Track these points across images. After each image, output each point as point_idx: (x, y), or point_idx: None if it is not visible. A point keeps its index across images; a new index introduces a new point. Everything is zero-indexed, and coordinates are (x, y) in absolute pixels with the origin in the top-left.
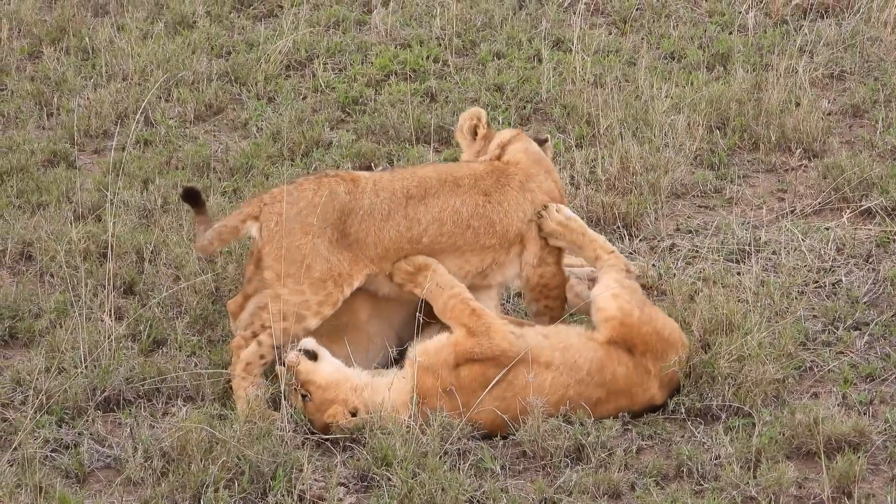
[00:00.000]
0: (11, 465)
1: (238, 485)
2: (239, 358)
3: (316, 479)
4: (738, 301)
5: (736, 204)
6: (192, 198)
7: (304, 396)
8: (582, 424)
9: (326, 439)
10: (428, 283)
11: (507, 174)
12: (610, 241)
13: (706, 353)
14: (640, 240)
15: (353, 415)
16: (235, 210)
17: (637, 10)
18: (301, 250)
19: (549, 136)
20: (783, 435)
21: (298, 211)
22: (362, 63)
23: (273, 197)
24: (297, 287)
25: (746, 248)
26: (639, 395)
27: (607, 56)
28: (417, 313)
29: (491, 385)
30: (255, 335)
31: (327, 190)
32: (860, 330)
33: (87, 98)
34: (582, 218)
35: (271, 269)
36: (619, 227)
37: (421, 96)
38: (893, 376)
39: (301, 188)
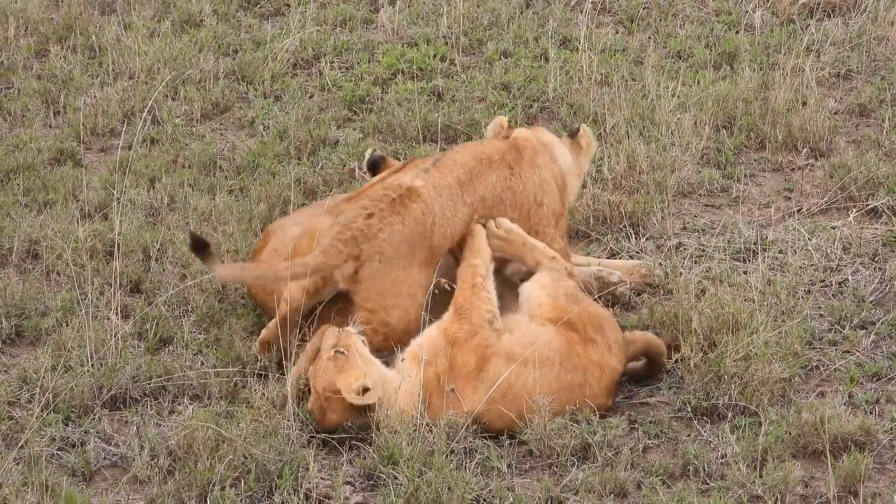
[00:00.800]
0: (18, 464)
1: (244, 483)
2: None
3: (322, 478)
4: (745, 300)
5: (742, 203)
6: (200, 248)
7: (339, 353)
8: (588, 423)
9: (333, 438)
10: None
11: (519, 148)
12: (616, 240)
13: (712, 352)
14: (647, 238)
15: (365, 390)
16: (318, 250)
17: (644, 9)
18: (405, 284)
19: (582, 124)
20: (789, 434)
21: (396, 247)
22: (369, 62)
23: (366, 235)
24: (405, 317)
25: (753, 247)
26: (606, 368)
27: (614, 55)
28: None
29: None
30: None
31: (411, 218)
32: (866, 329)
33: (94, 96)
34: (588, 217)
35: (371, 304)
36: (625, 226)
37: (428, 95)
38: None
39: (388, 223)
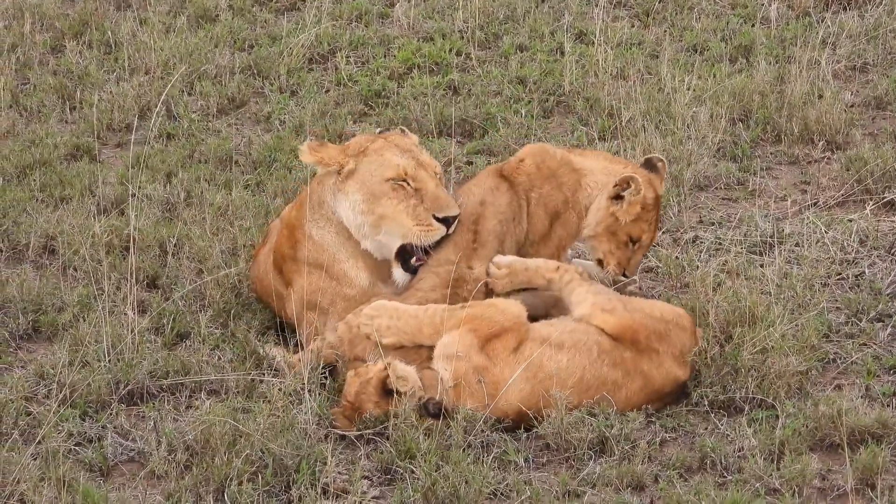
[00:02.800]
0: (35, 459)
1: (262, 478)
2: None
3: (339, 473)
4: (762, 293)
5: (759, 196)
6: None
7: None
8: (606, 417)
9: (350, 433)
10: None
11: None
12: None
13: (728, 345)
14: (664, 232)
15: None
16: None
17: (659, 2)
18: None
19: (662, 160)
20: (806, 427)
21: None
22: (385, 56)
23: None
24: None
25: (769, 240)
26: (654, 376)
27: (630, 49)
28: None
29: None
30: None
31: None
32: (883, 322)
33: (110, 92)
34: None
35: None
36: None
37: (443, 89)
38: None
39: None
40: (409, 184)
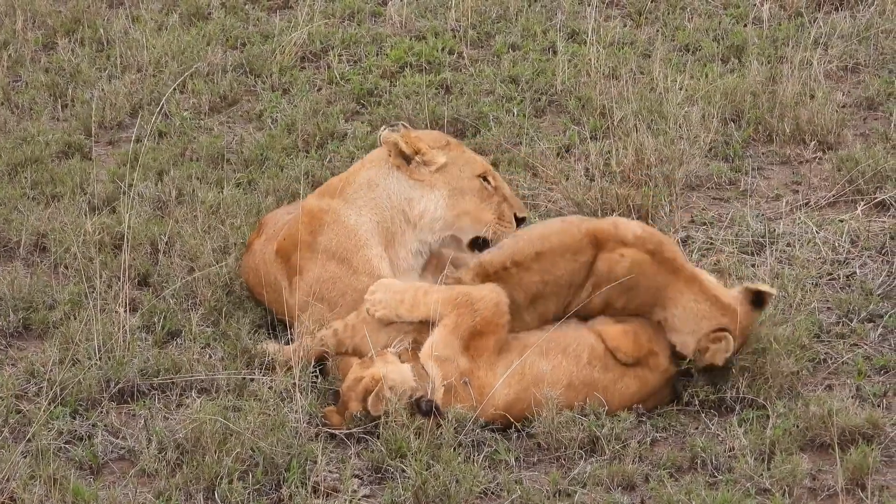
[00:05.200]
0: (25, 457)
1: (252, 476)
2: None
3: (330, 471)
4: None
5: (750, 196)
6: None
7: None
8: (596, 416)
9: (341, 432)
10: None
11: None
12: None
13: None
14: None
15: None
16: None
17: (652, 2)
18: None
19: (773, 293)
20: (797, 427)
21: None
22: (377, 55)
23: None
24: None
25: (761, 240)
26: (649, 381)
27: (622, 48)
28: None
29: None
30: None
31: None
32: (874, 322)
33: (102, 89)
34: (597, 210)
35: None
36: (633, 219)
37: (436, 88)
38: None
39: None
40: (490, 182)
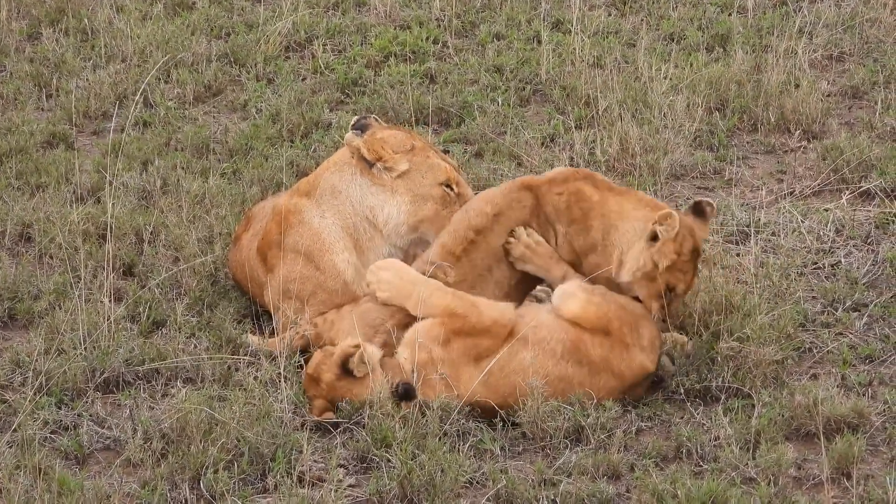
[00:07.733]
0: (11, 447)
1: (237, 466)
2: None
3: (315, 461)
4: (738, 282)
5: (735, 185)
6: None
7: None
8: (582, 406)
9: (326, 421)
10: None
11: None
12: None
13: (706, 332)
14: None
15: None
16: None
17: None
18: None
19: (712, 204)
20: (782, 416)
21: None
22: (362, 44)
23: None
24: None
25: (746, 229)
26: (624, 370)
27: (607, 37)
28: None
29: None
30: None
31: None
32: (859, 311)
33: (87, 79)
34: None
35: None
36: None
37: (420, 77)
38: (892, 357)
39: None
40: (453, 189)
